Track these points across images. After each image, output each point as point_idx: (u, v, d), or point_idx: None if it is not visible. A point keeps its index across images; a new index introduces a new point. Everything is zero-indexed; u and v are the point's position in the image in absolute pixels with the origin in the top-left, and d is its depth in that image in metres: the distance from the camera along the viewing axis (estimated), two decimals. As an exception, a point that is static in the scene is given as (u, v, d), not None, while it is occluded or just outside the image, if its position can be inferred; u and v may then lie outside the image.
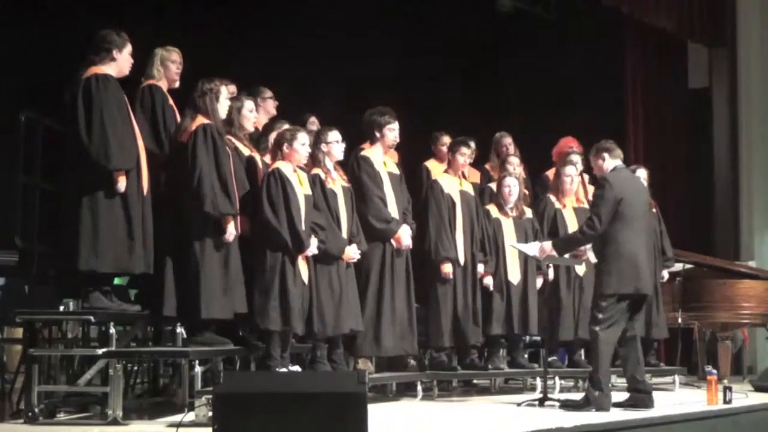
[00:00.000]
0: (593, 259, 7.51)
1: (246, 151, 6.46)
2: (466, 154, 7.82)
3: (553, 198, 8.40)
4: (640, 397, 6.55)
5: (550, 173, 8.79)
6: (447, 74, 11.01)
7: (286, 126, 6.61)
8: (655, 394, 6.58)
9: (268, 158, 6.68)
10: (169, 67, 6.49)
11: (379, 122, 7.16)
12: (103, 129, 5.69)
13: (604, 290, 6.52)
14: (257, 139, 6.94)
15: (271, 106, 7.42)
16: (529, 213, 8.20)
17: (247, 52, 9.32)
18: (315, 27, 10.08)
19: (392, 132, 7.20)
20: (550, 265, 7.68)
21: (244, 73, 7.35)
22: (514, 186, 8.04)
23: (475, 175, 8.55)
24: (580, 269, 8.20)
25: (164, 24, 8.36)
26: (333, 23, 10.20)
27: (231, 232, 5.98)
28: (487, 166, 8.83)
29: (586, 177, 9.00)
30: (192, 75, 6.51)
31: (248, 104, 6.59)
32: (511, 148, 8.66)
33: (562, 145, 8.95)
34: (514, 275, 7.99)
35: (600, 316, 6.48)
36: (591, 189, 8.87)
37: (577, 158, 8.58)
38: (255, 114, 6.71)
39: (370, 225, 6.96)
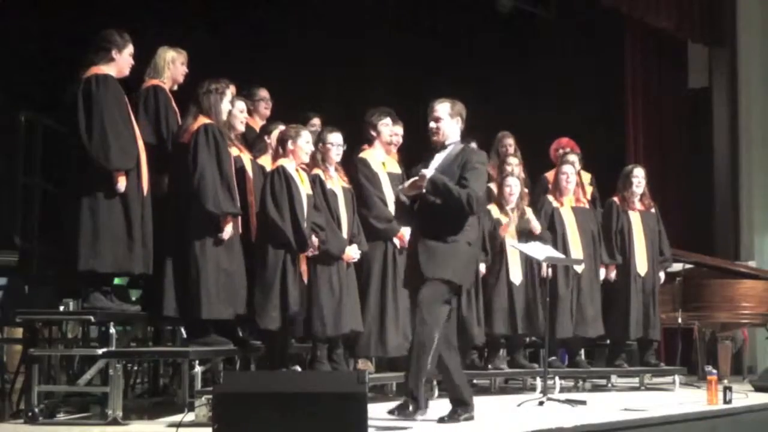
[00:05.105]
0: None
1: (235, 151, 6.45)
2: None
3: (551, 197, 8.44)
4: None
5: (550, 174, 8.81)
6: (446, 74, 11.01)
7: (282, 127, 6.61)
8: (655, 394, 6.56)
9: (262, 160, 6.68)
10: (178, 68, 6.50)
11: (372, 121, 7.22)
12: (103, 129, 5.69)
13: None
14: (253, 141, 6.94)
15: (263, 108, 7.42)
16: (529, 213, 8.21)
17: (246, 52, 9.31)
18: (315, 27, 10.08)
19: (386, 128, 7.22)
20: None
21: (243, 73, 7.35)
22: (515, 186, 8.05)
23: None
24: (578, 267, 8.24)
25: (163, 24, 8.35)
26: (333, 23, 10.20)
27: (228, 231, 5.98)
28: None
29: (588, 177, 9.05)
30: (191, 75, 6.52)
31: (239, 105, 6.59)
32: (512, 149, 8.66)
33: (555, 146, 9.06)
34: (516, 275, 8.00)
35: None
36: (589, 189, 8.93)
37: (574, 157, 8.64)
38: (245, 114, 6.72)
39: (372, 225, 6.97)
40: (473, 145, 8.34)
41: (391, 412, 5.51)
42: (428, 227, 5.58)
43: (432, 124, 5.71)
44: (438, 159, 5.66)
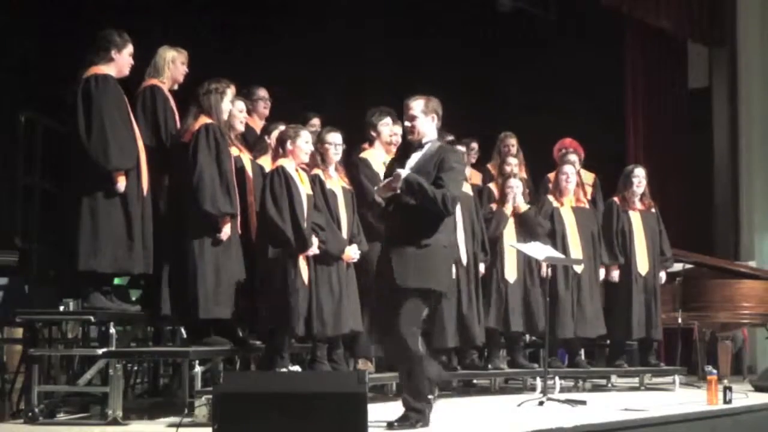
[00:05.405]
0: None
1: (235, 151, 6.45)
2: (468, 155, 7.88)
3: (551, 198, 8.46)
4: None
5: (553, 175, 8.82)
6: (447, 75, 11.01)
7: (282, 127, 6.61)
8: (655, 394, 6.55)
9: (262, 160, 6.68)
10: (178, 68, 6.49)
11: (372, 121, 7.24)
12: (103, 129, 5.69)
13: None
14: (254, 142, 6.94)
15: (262, 107, 7.42)
16: (518, 197, 8.19)
17: (246, 52, 9.31)
18: (315, 27, 10.08)
19: (386, 127, 7.24)
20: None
21: (243, 73, 7.34)
22: (516, 186, 8.07)
23: (476, 177, 8.56)
24: (578, 267, 8.25)
25: (163, 24, 8.35)
26: (333, 23, 10.20)
27: (226, 231, 5.97)
28: (489, 166, 8.85)
29: (591, 178, 9.05)
30: (191, 75, 6.51)
31: (239, 104, 6.59)
32: (514, 149, 8.66)
33: (558, 147, 9.10)
34: (511, 274, 8.01)
35: None
36: (589, 190, 8.94)
37: (574, 158, 8.65)
38: (245, 114, 6.72)
39: (372, 225, 6.96)
40: (474, 144, 8.42)
41: (390, 425, 5.26)
42: (402, 229, 5.38)
43: (407, 123, 5.57)
44: (414, 158, 5.50)
